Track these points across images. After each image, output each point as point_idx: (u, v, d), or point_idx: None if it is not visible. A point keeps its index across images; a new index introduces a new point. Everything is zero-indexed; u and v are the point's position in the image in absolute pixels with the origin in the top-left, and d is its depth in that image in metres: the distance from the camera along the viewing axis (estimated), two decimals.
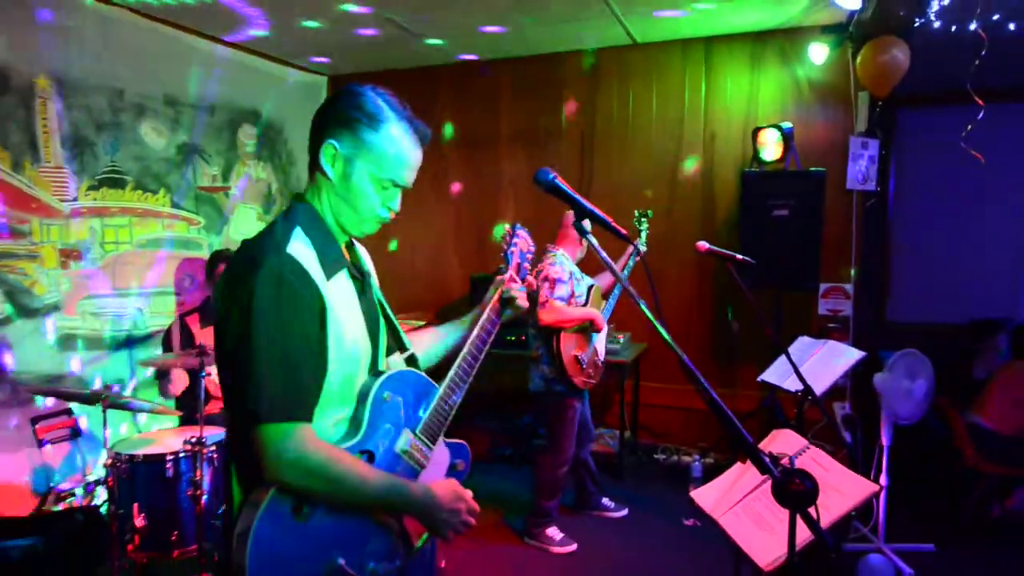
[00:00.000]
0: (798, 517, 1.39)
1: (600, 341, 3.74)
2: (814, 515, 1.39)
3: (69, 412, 3.86)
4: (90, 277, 4.07)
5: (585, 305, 3.58)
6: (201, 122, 4.74)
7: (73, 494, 3.69)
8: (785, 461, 1.72)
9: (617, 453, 4.70)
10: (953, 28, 3.65)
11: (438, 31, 4.72)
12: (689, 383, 5.21)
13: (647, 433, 5.13)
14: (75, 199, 3.96)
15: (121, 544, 2.78)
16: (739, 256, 2.96)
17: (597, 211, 1.54)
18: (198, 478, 2.76)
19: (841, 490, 1.72)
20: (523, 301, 1.66)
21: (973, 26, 3.58)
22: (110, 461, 2.79)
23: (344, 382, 1.34)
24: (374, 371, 1.44)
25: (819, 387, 3.03)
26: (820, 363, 3.26)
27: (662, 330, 1.43)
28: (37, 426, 3.74)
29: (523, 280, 1.70)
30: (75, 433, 3.87)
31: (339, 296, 1.32)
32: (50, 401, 3.80)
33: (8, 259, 3.65)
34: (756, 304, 2.68)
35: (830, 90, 4.51)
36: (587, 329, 3.59)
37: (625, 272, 3.77)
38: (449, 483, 1.43)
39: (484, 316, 1.60)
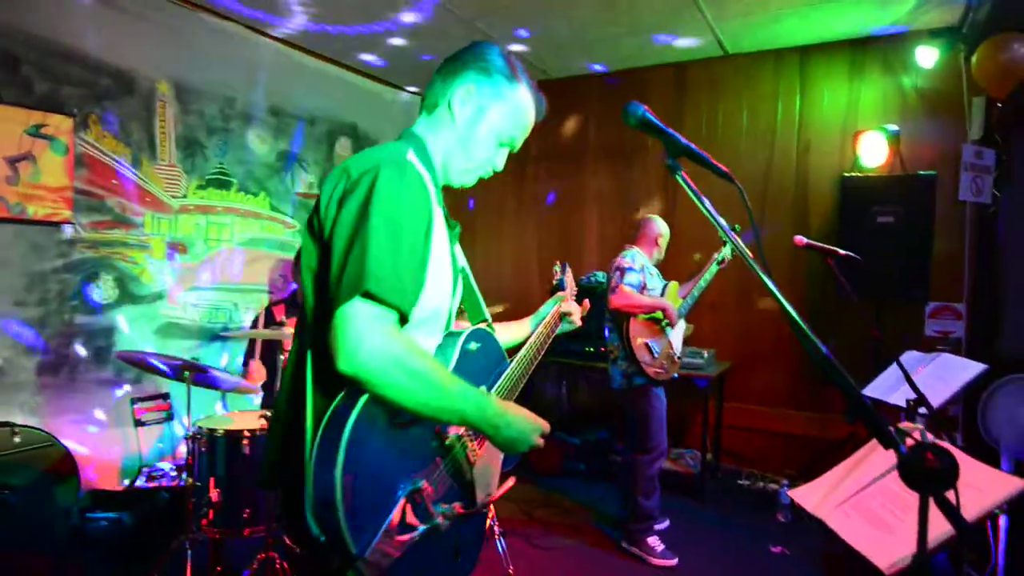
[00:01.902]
0: (931, 502, 1.11)
1: (676, 336, 3.57)
2: (952, 500, 1.11)
3: (166, 396, 3.95)
4: (193, 271, 4.18)
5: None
6: (301, 132, 4.86)
7: (163, 474, 3.73)
8: (915, 436, 1.43)
9: (698, 475, 4.34)
10: None
11: (535, 47, 4.68)
12: (774, 406, 4.82)
13: (730, 457, 4.73)
14: (184, 196, 4.10)
15: (196, 517, 2.73)
16: (842, 251, 2.65)
17: (693, 146, 1.34)
18: None
19: (978, 487, 1.40)
20: (577, 319, 1.84)
21: None
22: (191, 434, 2.77)
23: (435, 312, 1.29)
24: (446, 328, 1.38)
25: (936, 400, 2.63)
26: (933, 376, 2.85)
27: (769, 284, 1.20)
28: (136, 406, 3.85)
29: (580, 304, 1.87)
30: (170, 416, 3.95)
31: (440, 231, 1.29)
32: (151, 386, 3.90)
33: (121, 247, 3.79)
34: (861, 307, 2.34)
35: (940, 96, 4.09)
36: (659, 320, 3.45)
37: (706, 279, 3.57)
38: (519, 408, 1.31)
39: (543, 324, 1.70)
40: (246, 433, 2.78)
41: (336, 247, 1.13)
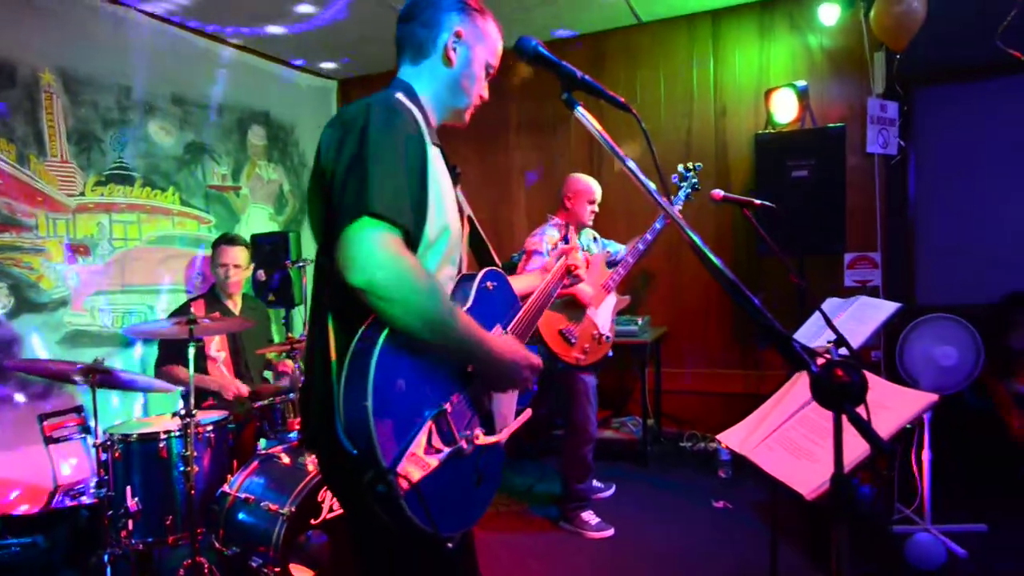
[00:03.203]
0: (844, 420, 1.10)
1: (602, 314, 3.44)
2: (864, 416, 1.10)
3: (79, 409, 3.68)
4: (99, 273, 3.92)
5: None
6: (209, 122, 4.61)
7: (82, 491, 3.49)
8: (825, 356, 1.43)
9: (641, 441, 4.38)
10: None
11: None
12: (710, 367, 4.85)
13: (671, 420, 4.79)
14: (82, 194, 3.82)
15: (115, 530, 2.56)
16: (757, 201, 2.68)
17: (588, 78, 1.30)
18: (192, 457, 2.53)
19: (892, 406, 1.41)
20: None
21: None
22: (101, 442, 2.58)
23: (445, 233, 1.32)
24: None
25: (856, 340, 2.70)
26: (853, 319, 2.93)
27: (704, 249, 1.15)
28: (45, 423, 3.57)
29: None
30: (86, 429, 3.69)
31: (439, 164, 1.34)
32: (62, 401, 3.64)
33: (13, 252, 3.50)
34: (781, 255, 2.36)
35: (844, 52, 4.21)
36: (573, 302, 3.31)
37: (650, 236, 3.42)
38: (518, 343, 1.39)
39: (551, 274, 1.72)
40: (162, 435, 2.63)
41: (338, 181, 1.18)
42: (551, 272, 1.74)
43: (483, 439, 1.31)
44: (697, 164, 3.54)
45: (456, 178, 1.46)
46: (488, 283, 1.40)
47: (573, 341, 3.31)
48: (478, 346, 1.24)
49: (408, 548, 1.26)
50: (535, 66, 1.32)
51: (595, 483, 3.71)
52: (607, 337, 3.41)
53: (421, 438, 1.17)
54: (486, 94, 1.50)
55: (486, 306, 1.38)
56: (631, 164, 1.17)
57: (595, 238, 3.72)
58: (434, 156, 1.31)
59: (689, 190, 3.50)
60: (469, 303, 1.34)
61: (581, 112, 1.29)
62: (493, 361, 1.27)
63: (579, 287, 3.26)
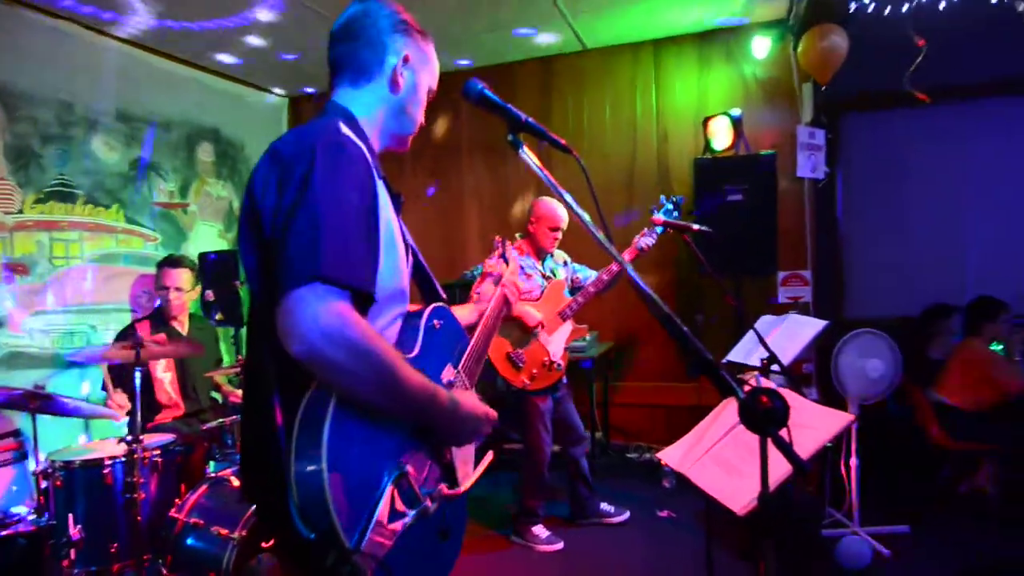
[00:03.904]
0: (770, 444, 1.19)
1: (555, 340, 3.38)
2: (787, 438, 1.19)
3: (17, 433, 3.53)
4: (38, 293, 3.77)
5: (538, 300, 3.37)
6: (153, 138, 4.51)
7: (19, 519, 3.34)
8: (751, 383, 1.51)
9: (589, 453, 4.44)
10: (886, 10, 3.62)
11: None
12: (655, 381, 4.92)
13: (618, 433, 4.90)
14: (20, 212, 3.69)
15: (56, 559, 2.47)
16: (695, 226, 2.80)
17: (532, 121, 1.35)
18: (138, 483, 2.47)
19: (814, 425, 1.52)
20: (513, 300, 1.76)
21: (904, 7, 3.56)
22: (42, 469, 2.49)
23: (398, 291, 1.26)
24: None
25: (786, 357, 2.84)
26: (784, 336, 3.09)
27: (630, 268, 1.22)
28: None
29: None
30: (23, 455, 3.54)
31: (384, 198, 1.23)
32: None
33: None
34: (718, 277, 2.48)
35: (775, 83, 4.45)
36: (521, 326, 3.29)
37: (615, 268, 3.34)
38: (471, 396, 1.32)
39: (496, 298, 1.67)
40: (107, 461, 2.56)
41: (280, 234, 1.04)
42: (490, 302, 1.68)
43: (448, 492, 1.25)
44: (679, 197, 3.45)
45: (399, 207, 1.34)
46: (435, 321, 1.34)
47: (520, 365, 3.30)
48: (433, 406, 1.16)
49: None
50: (481, 108, 1.36)
51: (604, 506, 3.66)
52: (558, 365, 3.37)
53: (384, 506, 1.08)
54: (423, 119, 1.43)
55: (435, 347, 1.32)
56: (577, 208, 1.24)
57: (565, 262, 3.66)
58: (382, 199, 1.22)
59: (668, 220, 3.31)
60: (417, 349, 1.25)
61: (525, 153, 1.34)
62: (450, 418, 1.20)
63: (525, 310, 3.27)
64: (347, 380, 1.01)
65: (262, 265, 1.14)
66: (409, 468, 1.14)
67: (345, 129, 1.18)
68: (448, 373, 1.35)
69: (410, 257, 1.35)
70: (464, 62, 5.11)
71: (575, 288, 3.55)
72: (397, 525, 1.10)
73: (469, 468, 1.40)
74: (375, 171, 1.21)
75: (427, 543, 1.23)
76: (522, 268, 3.37)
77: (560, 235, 3.48)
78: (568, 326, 3.44)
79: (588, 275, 3.63)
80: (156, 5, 3.74)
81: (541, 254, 3.52)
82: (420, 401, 1.12)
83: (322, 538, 1.00)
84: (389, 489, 1.10)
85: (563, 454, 3.63)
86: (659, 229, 3.33)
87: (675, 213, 3.41)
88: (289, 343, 0.98)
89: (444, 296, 1.46)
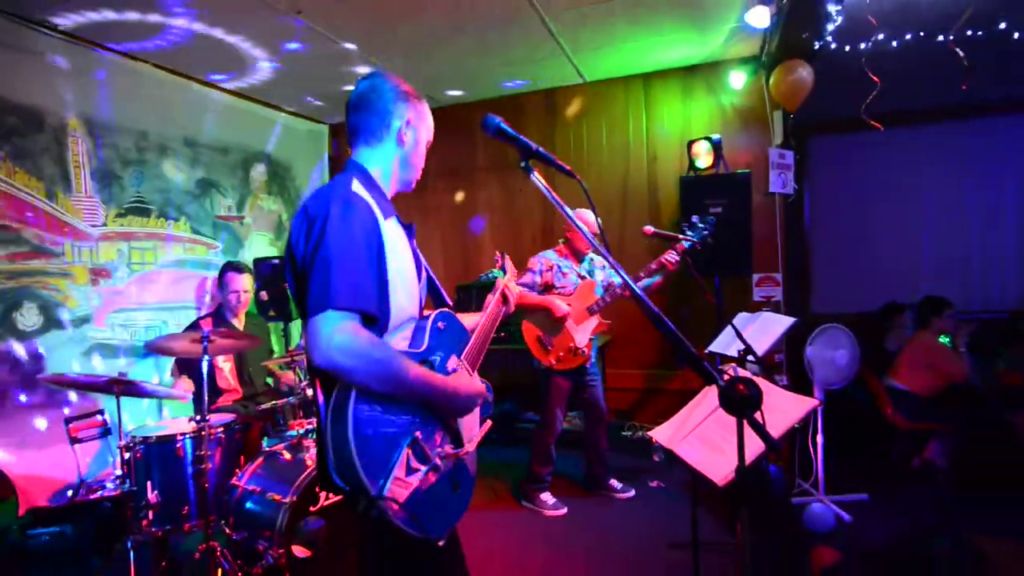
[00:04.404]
0: (746, 425, 1.21)
1: (580, 331, 3.37)
2: (760, 420, 1.21)
3: (100, 412, 3.59)
4: (119, 293, 3.84)
5: (571, 295, 3.40)
6: (216, 160, 4.57)
7: (103, 486, 3.41)
8: (730, 373, 1.53)
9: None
10: (847, 48, 3.61)
11: (417, 78, 4.63)
12: (647, 368, 4.90)
13: (614, 414, 4.90)
14: (104, 224, 3.76)
15: (136, 520, 2.52)
16: (681, 236, 2.82)
17: (541, 150, 1.39)
18: (205, 456, 2.51)
19: (784, 409, 1.53)
20: (511, 301, 1.78)
21: (863, 45, 3.54)
22: (124, 443, 2.55)
23: (409, 317, 1.39)
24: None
25: (760, 348, 2.85)
26: (758, 331, 3.09)
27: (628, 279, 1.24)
28: (70, 425, 3.47)
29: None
30: (106, 432, 3.60)
31: (394, 233, 1.37)
32: (85, 405, 3.55)
33: (42, 276, 3.43)
34: (700, 279, 2.48)
35: (749, 111, 4.45)
36: (550, 315, 3.34)
37: (642, 282, 3.31)
38: (469, 379, 1.43)
39: (494, 303, 1.70)
40: (178, 436, 2.60)
41: (307, 274, 1.24)
42: (487, 308, 1.73)
43: (453, 452, 1.37)
44: (711, 218, 3.27)
45: (412, 235, 1.48)
46: (439, 323, 1.45)
47: (549, 348, 3.36)
48: (432, 391, 1.29)
49: (406, 551, 1.33)
50: (497, 139, 1.40)
51: (613, 482, 3.63)
52: (582, 351, 3.38)
53: (401, 464, 1.24)
54: (423, 164, 1.54)
55: (440, 342, 1.43)
56: (584, 229, 1.28)
57: (604, 266, 3.60)
58: (390, 230, 1.35)
59: (697, 238, 3.20)
60: (425, 345, 1.38)
61: (536, 178, 1.38)
62: (447, 397, 1.32)
63: (554, 301, 3.31)
64: (359, 379, 1.19)
65: (298, 292, 1.33)
66: (419, 435, 1.29)
67: (356, 185, 1.33)
68: (453, 362, 1.46)
69: (423, 276, 1.49)
70: (480, 96, 5.13)
71: (608, 289, 3.48)
72: (413, 478, 1.26)
73: (474, 434, 1.49)
74: (384, 214, 1.35)
75: (442, 493, 1.35)
76: (559, 268, 3.43)
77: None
78: (595, 320, 3.42)
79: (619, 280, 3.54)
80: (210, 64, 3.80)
81: (579, 256, 3.51)
82: (420, 387, 1.27)
83: (354, 489, 1.18)
84: (404, 451, 1.26)
85: (586, 430, 3.63)
86: (687, 245, 3.18)
87: (704, 233, 3.21)
88: (312, 356, 1.18)
89: (450, 303, 1.59)
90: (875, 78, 3.27)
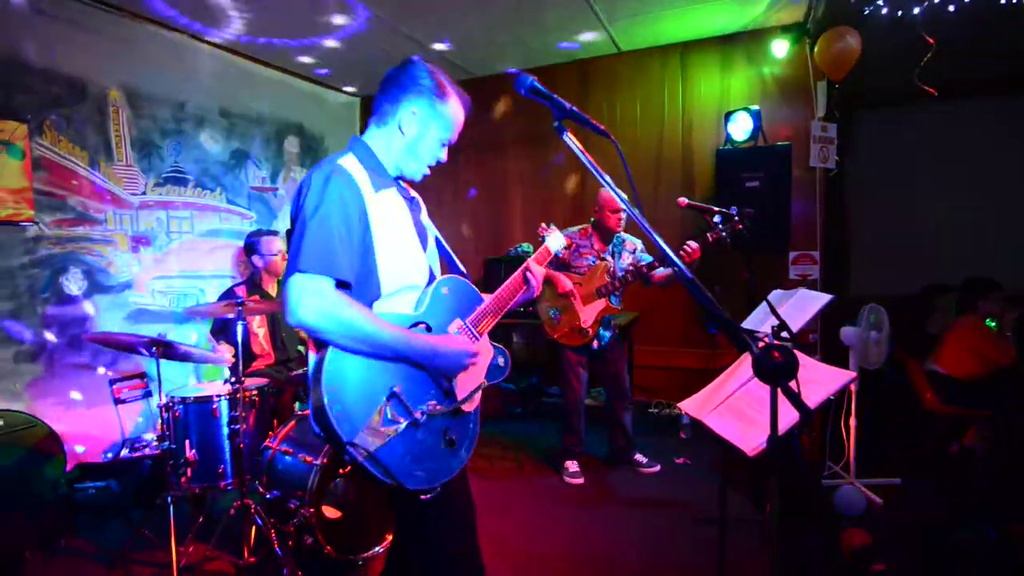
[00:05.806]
0: (780, 393, 1.17)
1: (587, 310, 3.36)
2: (795, 389, 1.17)
3: (143, 375, 3.73)
4: (158, 261, 3.95)
5: (583, 275, 3.39)
6: (250, 131, 4.62)
7: (146, 444, 3.55)
8: (764, 341, 1.49)
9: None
10: (899, 13, 3.41)
11: (457, 50, 4.57)
12: (673, 346, 4.80)
13: (640, 391, 4.87)
14: (144, 193, 3.85)
15: (176, 476, 2.62)
16: (716, 208, 2.74)
17: (576, 109, 1.34)
18: (240, 417, 2.58)
19: (819, 381, 1.49)
20: (532, 280, 1.68)
21: (916, 10, 3.35)
22: (164, 403, 2.63)
23: (407, 284, 1.42)
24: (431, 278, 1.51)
25: (795, 326, 2.77)
26: (793, 308, 3.00)
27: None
28: (114, 387, 3.62)
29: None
30: (148, 392, 3.74)
31: (387, 205, 1.42)
32: (127, 367, 3.69)
33: (86, 242, 3.55)
34: (734, 253, 2.40)
35: (791, 81, 4.26)
36: (555, 291, 3.37)
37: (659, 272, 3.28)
38: (459, 340, 1.44)
39: (515, 275, 1.68)
40: (215, 398, 2.67)
41: (290, 235, 1.34)
42: (508, 280, 1.69)
43: (438, 408, 1.39)
44: (749, 209, 2.98)
45: (416, 207, 1.51)
46: (443, 288, 1.48)
47: (555, 323, 3.41)
48: (410, 348, 1.33)
49: (396, 496, 1.41)
50: (530, 98, 1.36)
51: (638, 456, 3.62)
52: (586, 331, 3.36)
53: (376, 415, 1.30)
54: (444, 158, 1.54)
55: (440, 307, 1.46)
56: (615, 189, 1.24)
57: (635, 249, 3.52)
58: (380, 201, 1.39)
59: (726, 232, 3.01)
60: (422, 309, 1.42)
61: (568, 138, 1.34)
62: (428, 357, 1.36)
63: (560, 277, 3.35)
64: (333, 338, 1.26)
65: None
66: (398, 390, 1.33)
67: (345, 160, 1.39)
68: (455, 325, 1.49)
69: (428, 245, 1.52)
70: (511, 68, 5.05)
71: (636, 271, 3.36)
72: (389, 429, 1.31)
73: (468, 393, 1.48)
74: (376, 187, 1.40)
75: (427, 447, 1.38)
76: (579, 247, 3.44)
77: (623, 215, 3.36)
78: (602, 303, 3.38)
79: (648, 260, 3.42)
80: (250, 19, 3.81)
81: (607, 236, 3.44)
82: (396, 344, 1.32)
83: (327, 434, 1.27)
84: (381, 404, 1.31)
85: (608, 406, 3.64)
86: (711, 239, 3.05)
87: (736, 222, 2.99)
88: (287, 316, 1.26)
89: (463, 271, 1.61)
90: (930, 40, 3.08)
